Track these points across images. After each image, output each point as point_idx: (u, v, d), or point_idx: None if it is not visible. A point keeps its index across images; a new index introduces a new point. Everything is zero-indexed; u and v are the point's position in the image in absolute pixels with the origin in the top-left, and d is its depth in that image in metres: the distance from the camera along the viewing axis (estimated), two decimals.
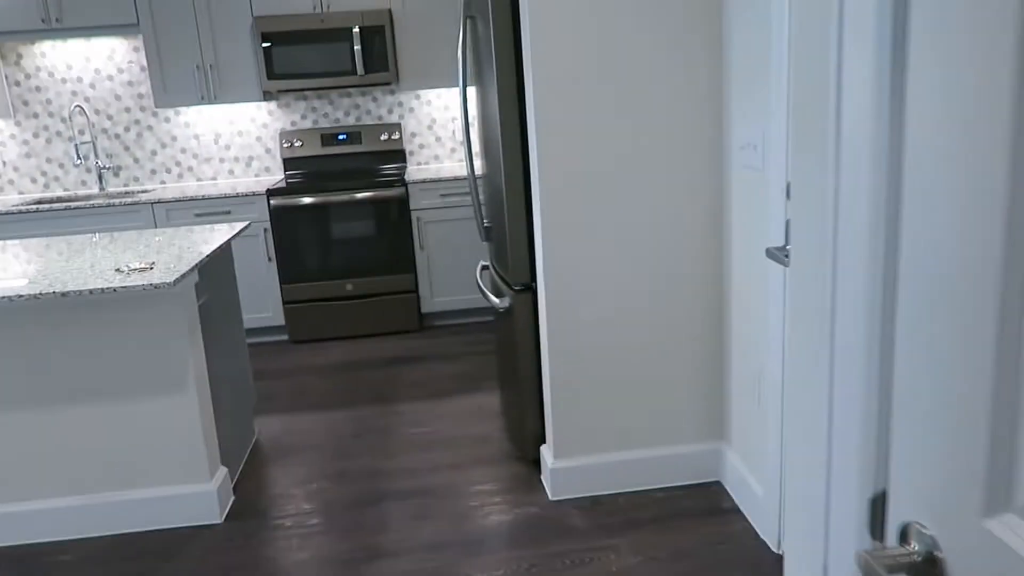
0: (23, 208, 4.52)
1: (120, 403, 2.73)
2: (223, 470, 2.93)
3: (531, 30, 2.45)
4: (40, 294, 2.37)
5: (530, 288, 2.83)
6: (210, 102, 4.75)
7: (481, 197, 3.38)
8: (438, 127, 5.24)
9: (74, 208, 4.55)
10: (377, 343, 4.71)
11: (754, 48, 2.29)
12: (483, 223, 3.17)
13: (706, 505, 2.75)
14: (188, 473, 2.81)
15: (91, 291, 2.37)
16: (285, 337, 4.89)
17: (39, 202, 4.76)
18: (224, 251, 3.29)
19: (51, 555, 2.71)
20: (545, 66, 2.47)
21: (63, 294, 2.37)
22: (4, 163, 5.08)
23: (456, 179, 4.67)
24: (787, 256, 1.97)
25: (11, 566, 2.67)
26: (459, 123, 5.24)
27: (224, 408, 3.06)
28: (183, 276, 2.49)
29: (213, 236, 3.11)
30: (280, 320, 4.79)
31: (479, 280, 3.30)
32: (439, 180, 4.67)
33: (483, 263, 3.47)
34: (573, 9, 2.44)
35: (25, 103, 5.01)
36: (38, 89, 5.00)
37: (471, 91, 3.61)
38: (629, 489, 2.85)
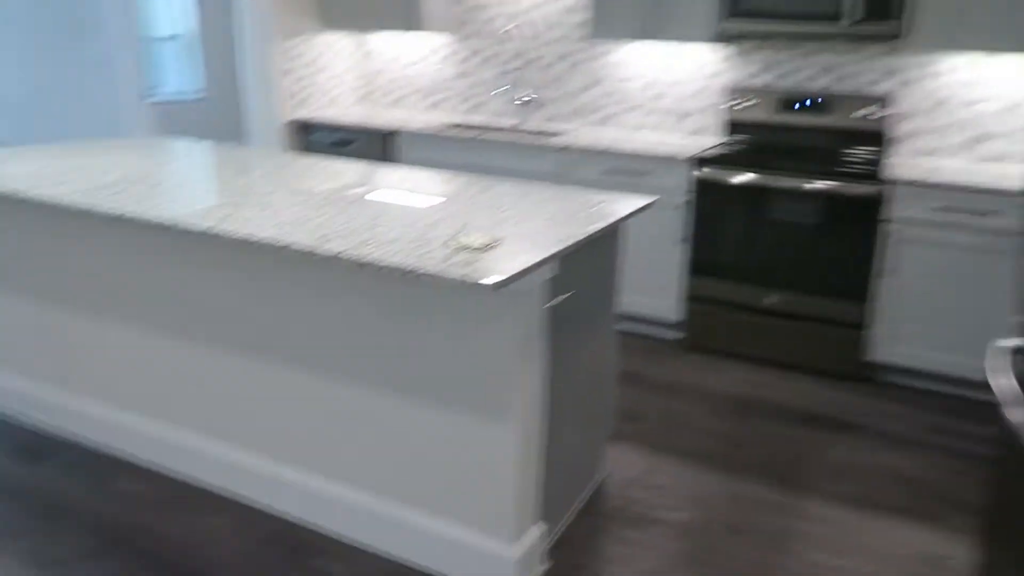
0: (435, 133, 4.13)
1: (422, 403, 1.99)
2: (537, 528, 2.08)
3: None
4: (315, 251, 1.67)
5: None
6: (650, 37, 3.84)
7: None
8: (948, 110, 3.68)
9: (480, 140, 4.04)
10: (793, 381, 3.49)
11: None
12: None
13: None
14: (488, 523, 2.01)
15: (380, 267, 1.61)
16: (679, 336, 3.91)
17: (456, 126, 4.37)
18: (609, 232, 2.37)
19: (322, 556, 2.12)
20: None
21: (338, 256, 1.65)
22: (441, 81, 4.80)
23: (971, 190, 3.16)
24: None
25: (286, 556, 2.13)
26: (987, 107, 3.63)
27: (562, 444, 2.20)
28: (519, 274, 1.61)
29: (609, 208, 2.20)
30: (677, 316, 3.81)
31: (993, 372, 1.92)
32: (940, 186, 3.20)
33: (1015, 344, 2.05)
34: None
35: (465, 22, 4.62)
36: (479, 7, 4.56)
37: None
38: None
